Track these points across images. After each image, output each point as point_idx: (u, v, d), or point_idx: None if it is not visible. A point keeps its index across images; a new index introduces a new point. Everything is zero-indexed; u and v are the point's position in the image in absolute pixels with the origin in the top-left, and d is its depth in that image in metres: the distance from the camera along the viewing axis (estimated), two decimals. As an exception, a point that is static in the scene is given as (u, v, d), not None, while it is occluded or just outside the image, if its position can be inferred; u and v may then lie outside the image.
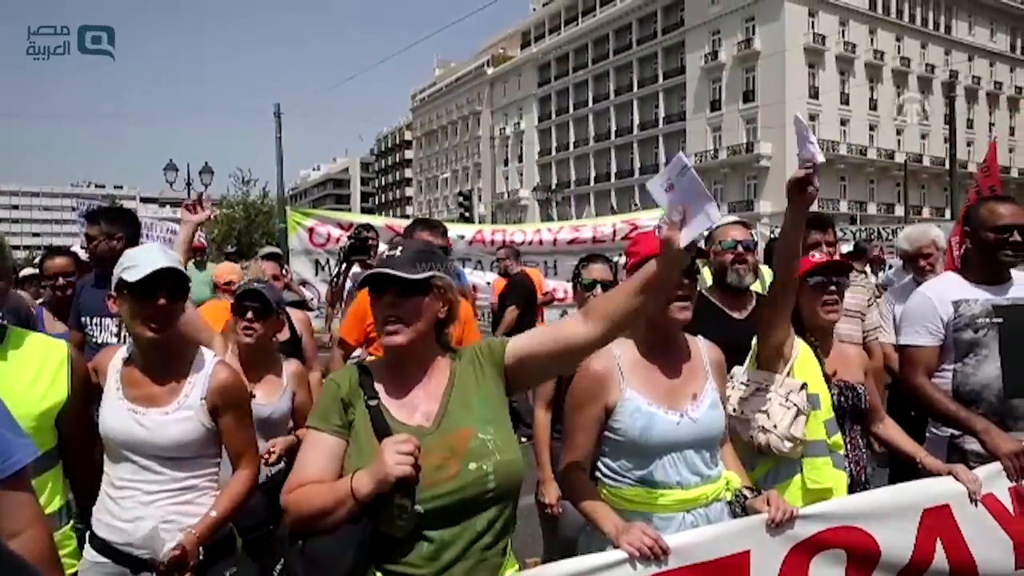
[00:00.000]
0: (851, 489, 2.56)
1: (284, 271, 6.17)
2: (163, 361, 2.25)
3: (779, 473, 2.52)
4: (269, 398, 3.05)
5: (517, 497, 1.81)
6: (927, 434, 3.04)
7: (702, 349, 2.34)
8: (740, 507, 2.16)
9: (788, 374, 2.55)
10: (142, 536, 2.09)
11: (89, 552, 2.23)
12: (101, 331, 3.64)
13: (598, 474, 2.25)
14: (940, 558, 2.28)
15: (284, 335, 3.84)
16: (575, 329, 1.81)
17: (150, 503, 2.17)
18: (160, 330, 2.16)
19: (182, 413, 2.20)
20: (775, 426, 2.44)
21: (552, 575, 1.82)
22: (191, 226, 3.44)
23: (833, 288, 2.67)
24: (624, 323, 1.80)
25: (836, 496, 2.43)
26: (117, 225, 3.71)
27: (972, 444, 2.77)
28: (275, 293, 3.16)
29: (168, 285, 2.14)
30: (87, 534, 2.26)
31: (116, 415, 2.20)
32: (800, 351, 2.61)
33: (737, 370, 2.66)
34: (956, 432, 2.88)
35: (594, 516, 2.05)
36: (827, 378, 2.63)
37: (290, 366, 3.18)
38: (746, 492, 2.19)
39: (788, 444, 2.43)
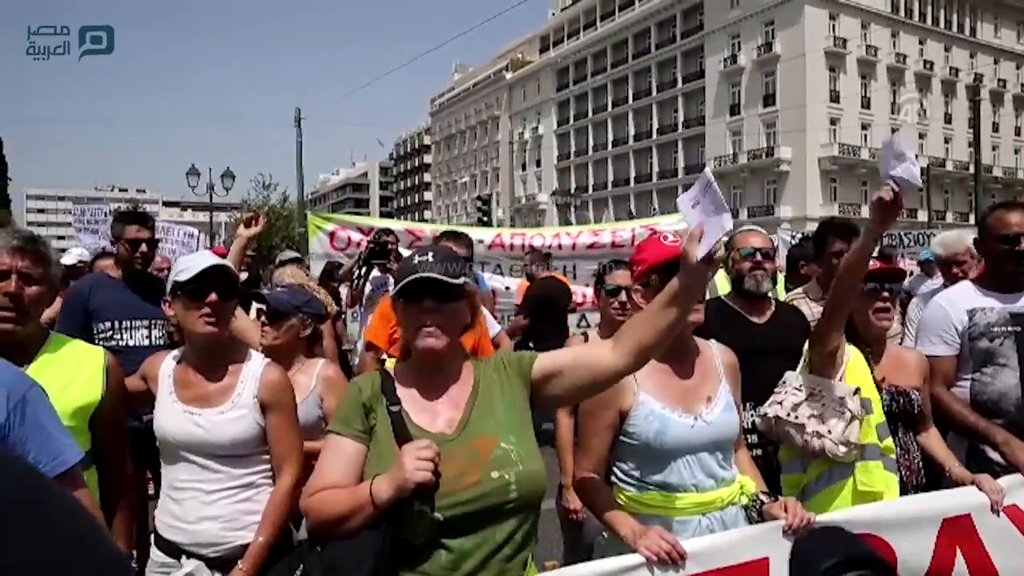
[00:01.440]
0: (904, 493, 2.57)
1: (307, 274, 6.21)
2: (216, 361, 2.33)
3: (832, 476, 2.54)
4: None
5: (539, 509, 1.80)
6: (947, 442, 3.01)
7: (715, 352, 2.35)
8: (757, 512, 2.16)
9: (841, 379, 2.57)
10: None
11: (156, 553, 2.29)
12: (132, 333, 3.69)
13: (613, 479, 2.26)
14: (960, 568, 2.27)
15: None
16: (604, 357, 1.80)
17: (212, 502, 2.23)
18: (214, 324, 2.25)
19: (237, 411, 2.27)
20: (829, 431, 2.45)
21: None
22: (244, 240, 3.51)
23: (887, 295, 2.67)
24: (654, 346, 1.78)
25: (886, 499, 2.45)
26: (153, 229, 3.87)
27: (995, 453, 2.75)
28: (296, 296, 3.13)
29: (218, 282, 2.25)
30: (152, 536, 2.34)
31: (172, 418, 2.28)
32: (851, 356, 2.62)
33: (790, 375, 2.69)
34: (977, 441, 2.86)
35: (611, 520, 2.06)
36: (877, 384, 2.64)
37: (325, 369, 3.07)
38: (763, 497, 2.19)
39: (843, 449, 2.45)
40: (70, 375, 2.18)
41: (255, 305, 4.45)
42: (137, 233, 3.76)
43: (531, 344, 6.36)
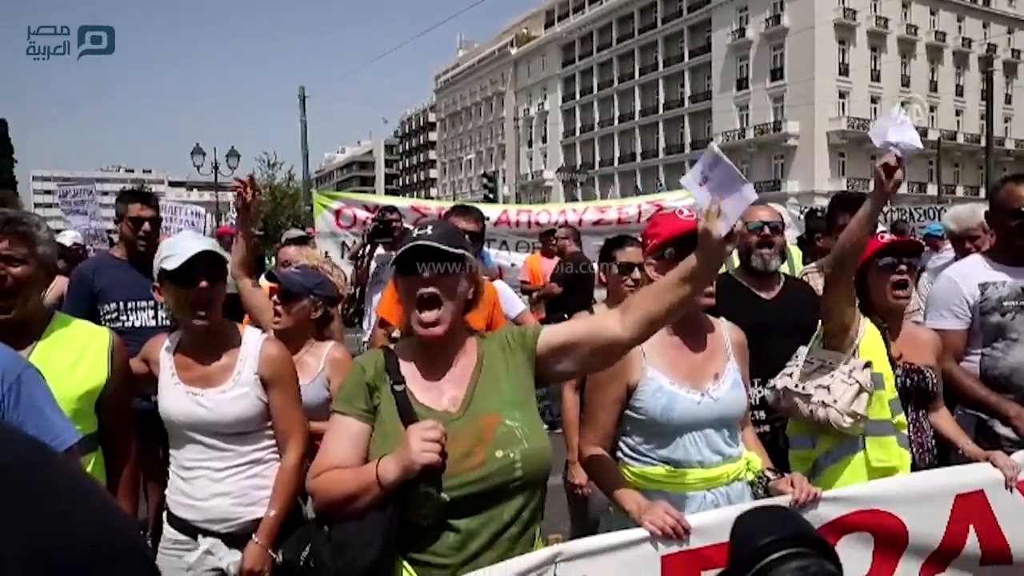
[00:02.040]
0: (915, 472, 2.53)
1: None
2: (212, 342, 2.32)
3: (841, 451, 2.52)
4: (300, 381, 3.05)
5: (545, 486, 1.79)
6: (955, 417, 3.00)
7: (724, 330, 2.34)
8: (763, 488, 2.16)
9: (854, 354, 2.54)
10: (195, 561, 2.16)
11: (169, 531, 2.32)
12: (138, 314, 3.67)
13: (619, 453, 2.26)
14: (972, 543, 2.26)
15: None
16: (611, 328, 1.75)
17: (221, 479, 2.26)
18: (206, 315, 2.23)
19: (239, 390, 2.27)
20: (835, 401, 2.43)
21: (574, 551, 1.82)
22: (243, 214, 3.48)
23: (903, 268, 2.64)
24: (664, 320, 1.75)
25: (899, 475, 2.43)
26: (157, 208, 3.82)
27: (1004, 428, 2.73)
28: (308, 278, 3.11)
29: (206, 269, 2.21)
30: (164, 514, 2.36)
31: (176, 400, 2.28)
32: (866, 332, 2.59)
33: (803, 349, 2.67)
34: (986, 416, 2.84)
35: (616, 495, 2.06)
36: (892, 360, 2.61)
37: (333, 351, 3.03)
38: (769, 473, 2.19)
39: (848, 420, 2.43)
40: (76, 356, 2.17)
41: (263, 283, 4.44)
42: (140, 212, 3.71)
43: (565, 315, 6.47)
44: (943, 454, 2.71)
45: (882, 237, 2.73)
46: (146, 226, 3.72)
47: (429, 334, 1.75)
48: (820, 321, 2.67)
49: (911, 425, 2.64)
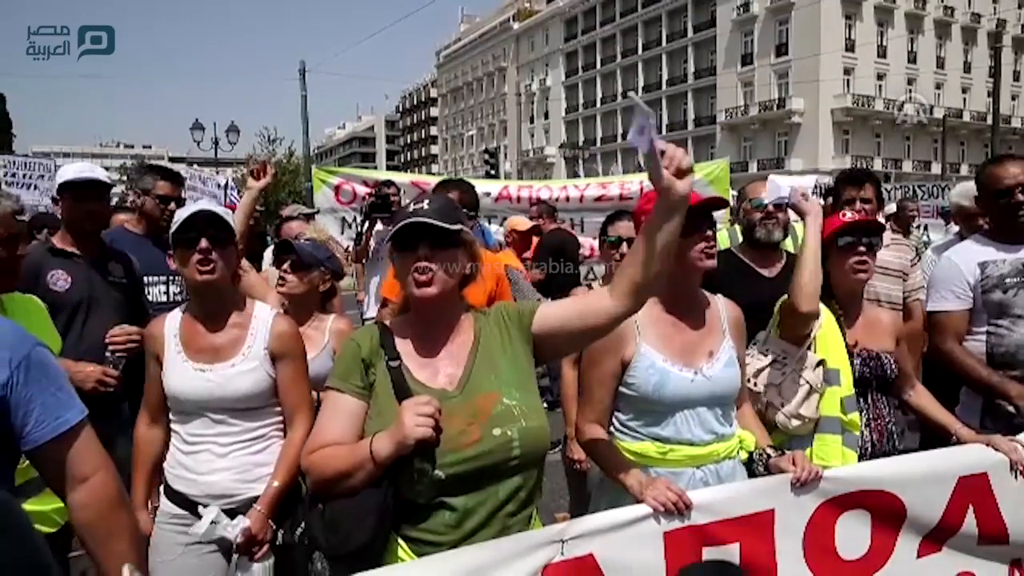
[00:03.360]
0: (872, 458, 2.49)
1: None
2: (220, 311, 2.30)
3: (791, 446, 2.46)
4: (307, 354, 3.04)
5: (542, 466, 1.78)
6: (961, 397, 2.98)
7: (720, 307, 2.30)
8: (763, 466, 2.14)
9: (810, 347, 2.50)
10: (203, 533, 2.14)
11: (165, 504, 2.31)
12: (149, 289, 3.61)
13: (611, 428, 2.24)
14: (970, 523, 2.26)
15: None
16: (602, 303, 1.74)
17: (225, 454, 2.25)
18: (210, 271, 2.19)
19: (248, 364, 2.26)
20: (783, 403, 2.41)
21: (581, 530, 1.82)
22: (255, 191, 3.46)
23: (863, 249, 2.57)
24: (647, 281, 1.71)
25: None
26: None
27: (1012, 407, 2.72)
28: (319, 250, 3.12)
29: (206, 227, 2.19)
30: (162, 487, 2.35)
31: (183, 377, 2.25)
32: (824, 322, 2.54)
33: (761, 336, 2.62)
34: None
35: (616, 471, 2.05)
36: (849, 350, 2.56)
37: (337, 323, 3.05)
38: (769, 451, 2.18)
39: (795, 422, 2.42)
40: (25, 327, 2.15)
41: (265, 263, 4.41)
42: (172, 191, 3.68)
43: (550, 298, 6.36)
44: (926, 429, 2.66)
45: (843, 215, 2.68)
46: (172, 205, 3.68)
47: (423, 293, 1.72)
48: (777, 307, 2.60)
49: (870, 410, 2.60)
